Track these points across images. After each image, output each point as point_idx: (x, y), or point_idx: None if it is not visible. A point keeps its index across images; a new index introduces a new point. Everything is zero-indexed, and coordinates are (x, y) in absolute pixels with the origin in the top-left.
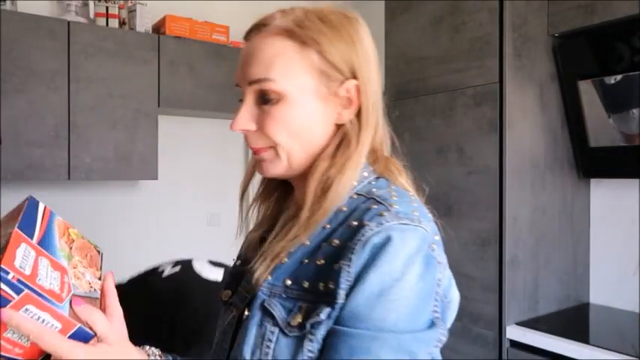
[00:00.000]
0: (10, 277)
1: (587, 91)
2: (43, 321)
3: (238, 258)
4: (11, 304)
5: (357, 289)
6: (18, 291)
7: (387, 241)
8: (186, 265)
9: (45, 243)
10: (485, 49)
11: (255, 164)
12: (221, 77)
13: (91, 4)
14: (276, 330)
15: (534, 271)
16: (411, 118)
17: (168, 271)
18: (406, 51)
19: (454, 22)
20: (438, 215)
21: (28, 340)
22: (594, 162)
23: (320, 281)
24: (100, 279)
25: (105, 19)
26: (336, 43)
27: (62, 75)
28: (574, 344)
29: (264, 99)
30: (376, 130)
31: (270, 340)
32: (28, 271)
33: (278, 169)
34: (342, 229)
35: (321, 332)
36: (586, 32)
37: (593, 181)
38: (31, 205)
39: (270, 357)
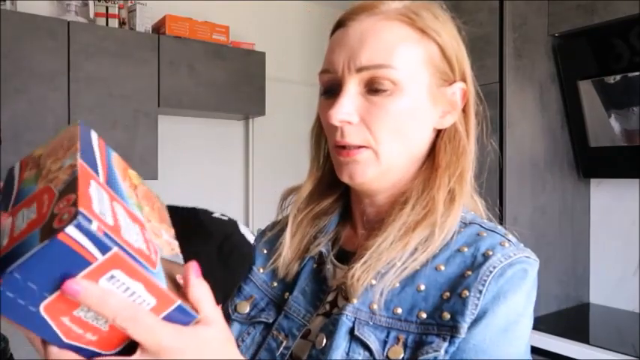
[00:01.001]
0: (94, 227)
1: (587, 91)
2: (133, 294)
3: (264, 270)
4: (91, 268)
5: (484, 322)
6: (104, 249)
7: (520, 274)
8: (233, 220)
9: (111, 183)
10: (485, 49)
11: (338, 168)
12: (221, 77)
13: (91, 4)
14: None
15: None
16: None
17: (217, 215)
18: None
19: (454, 22)
20: None
21: (106, 323)
22: (594, 162)
23: (424, 310)
24: (175, 238)
25: (105, 19)
26: (451, 40)
27: (62, 75)
28: (574, 344)
29: (375, 88)
30: None
31: None
32: (110, 220)
33: (372, 173)
34: (448, 254)
35: None
36: (586, 32)
37: (593, 181)
38: (85, 131)
39: None
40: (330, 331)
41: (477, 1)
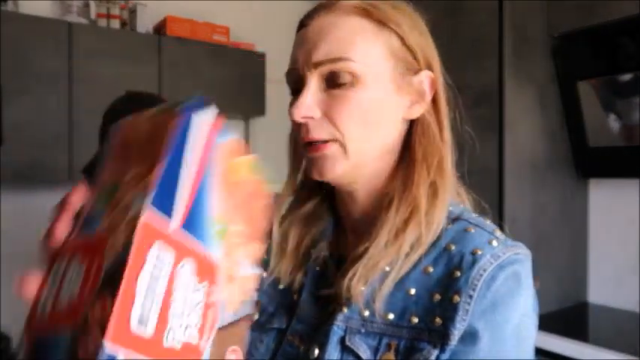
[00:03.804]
0: None
1: (586, 91)
2: None
3: (276, 276)
4: None
5: (490, 332)
6: None
7: (511, 275)
8: None
9: (194, 215)
10: (485, 49)
11: (308, 166)
12: (221, 77)
13: (92, 4)
14: None
15: (534, 270)
16: None
17: None
18: None
19: (454, 22)
20: None
21: None
22: (593, 162)
23: (415, 314)
24: (262, 258)
25: (106, 19)
26: (413, 30)
27: (63, 76)
28: (573, 343)
29: (335, 82)
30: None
31: None
32: (150, 329)
33: (341, 167)
34: (435, 254)
35: None
36: (585, 32)
37: (593, 181)
38: (184, 126)
39: None
40: (322, 342)
41: (477, 1)
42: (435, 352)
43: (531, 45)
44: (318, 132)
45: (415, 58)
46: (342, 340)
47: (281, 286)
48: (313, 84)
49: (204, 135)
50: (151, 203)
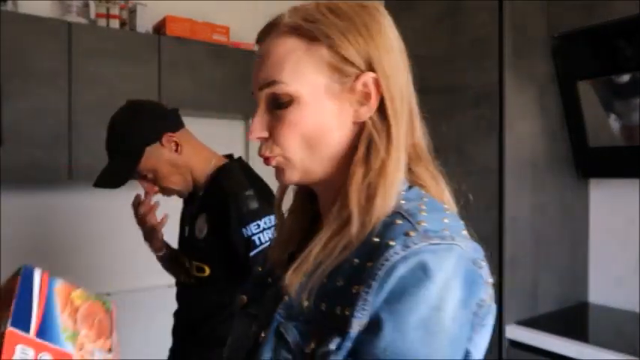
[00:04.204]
0: None
1: (586, 91)
2: None
3: (263, 268)
4: None
5: (390, 322)
6: None
7: (418, 266)
8: None
9: (45, 328)
10: (485, 49)
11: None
12: (221, 77)
13: (92, 4)
14: (289, 356)
15: (534, 270)
16: None
17: None
18: (406, 51)
19: (454, 22)
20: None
21: None
22: (594, 162)
23: (337, 305)
24: (110, 350)
25: (106, 19)
26: (348, 35)
27: (63, 75)
28: (573, 343)
29: (276, 103)
30: (411, 126)
31: None
32: None
33: (292, 176)
34: (362, 246)
35: None
36: (585, 32)
37: (593, 181)
38: (26, 278)
39: None
40: (267, 328)
41: (477, 1)
42: (337, 341)
43: (531, 45)
44: (267, 150)
45: (352, 63)
46: (278, 327)
47: (269, 279)
48: (261, 107)
49: (38, 281)
50: (11, 325)
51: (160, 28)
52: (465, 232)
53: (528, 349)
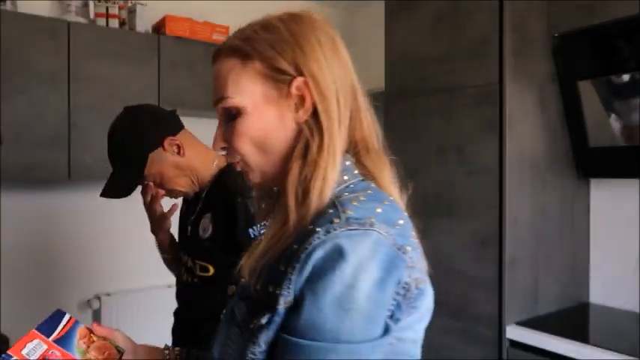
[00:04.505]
0: None
1: (586, 90)
2: None
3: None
4: None
5: (309, 299)
6: None
7: (334, 249)
8: None
9: (62, 341)
10: (485, 49)
11: None
12: None
13: (91, 4)
14: (237, 331)
15: (534, 270)
16: (411, 118)
17: None
18: (406, 51)
19: (454, 22)
20: (440, 215)
21: None
22: (594, 162)
23: (269, 285)
24: None
25: (105, 19)
26: (277, 46)
27: (62, 75)
28: (574, 344)
29: (228, 116)
30: (357, 122)
31: (232, 340)
32: (34, 357)
33: (256, 177)
34: (301, 233)
35: (262, 337)
36: (586, 32)
37: (593, 181)
38: (58, 314)
39: (231, 357)
40: (230, 307)
41: (477, 1)
42: (268, 316)
43: (532, 45)
44: (231, 157)
45: (283, 71)
46: (233, 307)
47: None
48: (219, 120)
49: (68, 316)
50: (36, 329)
51: (159, 28)
52: (401, 221)
53: (528, 350)
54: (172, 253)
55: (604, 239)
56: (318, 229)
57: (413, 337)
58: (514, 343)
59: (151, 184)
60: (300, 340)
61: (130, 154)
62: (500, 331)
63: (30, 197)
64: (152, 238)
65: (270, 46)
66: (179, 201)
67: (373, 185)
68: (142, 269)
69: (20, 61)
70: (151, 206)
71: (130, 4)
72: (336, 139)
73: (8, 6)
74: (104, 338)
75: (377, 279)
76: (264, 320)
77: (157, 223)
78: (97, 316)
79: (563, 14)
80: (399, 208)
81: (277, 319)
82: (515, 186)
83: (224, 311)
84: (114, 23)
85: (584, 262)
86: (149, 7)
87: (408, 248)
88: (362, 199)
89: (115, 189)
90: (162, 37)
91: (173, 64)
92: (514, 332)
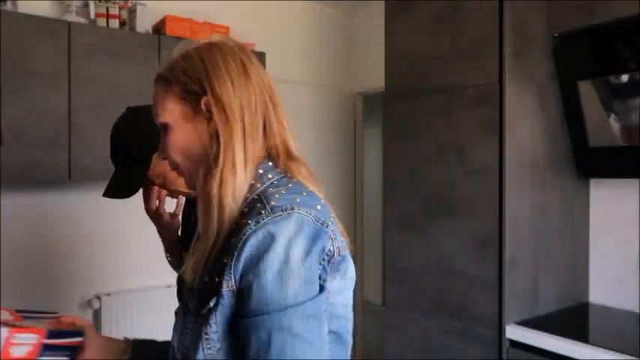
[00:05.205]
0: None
1: (586, 90)
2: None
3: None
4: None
5: (255, 282)
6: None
7: (265, 235)
8: None
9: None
10: (485, 49)
11: None
12: None
13: (92, 4)
14: (192, 318)
15: (534, 270)
16: (411, 118)
17: None
18: (406, 51)
19: (454, 22)
20: (440, 215)
21: None
22: (594, 162)
23: (216, 275)
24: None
25: (105, 19)
26: (188, 72)
27: (62, 75)
28: (574, 344)
29: (163, 131)
30: (269, 132)
31: (188, 327)
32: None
33: (189, 184)
34: (236, 229)
35: (213, 318)
36: (586, 32)
37: (593, 181)
38: None
39: (187, 342)
40: (184, 301)
41: (477, 1)
42: (214, 300)
43: (532, 44)
44: (170, 165)
45: (193, 91)
46: (186, 303)
47: None
48: (161, 134)
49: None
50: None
51: (159, 28)
52: (319, 207)
53: (528, 350)
54: (177, 261)
55: (604, 239)
56: (249, 222)
57: (343, 301)
58: (514, 343)
59: (155, 189)
60: (255, 318)
61: (133, 154)
62: (500, 331)
63: (30, 197)
64: (152, 238)
65: (184, 72)
66: (182, 199)
67: (294, 180)
68: (142, 269)
69: (20, 61)
70: (156, 212)
71: (130, 5)
72: (236, 149)
73: (8, 6)
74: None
75: (305, 248)
76: (212, 304)
77: (164, 227)
78: (97, 316)
79: (563, 14)
80: (316, 197)
81: (223, 302)
82: (515, 186)
83: (178, 306)
84: (114, 23)
85: (584, 262)
86: (149, 7)
87: (329, 223)
88: (283, 192)
89: (118, 189)
90: (162, 38)
91: None
92: (514, 332)
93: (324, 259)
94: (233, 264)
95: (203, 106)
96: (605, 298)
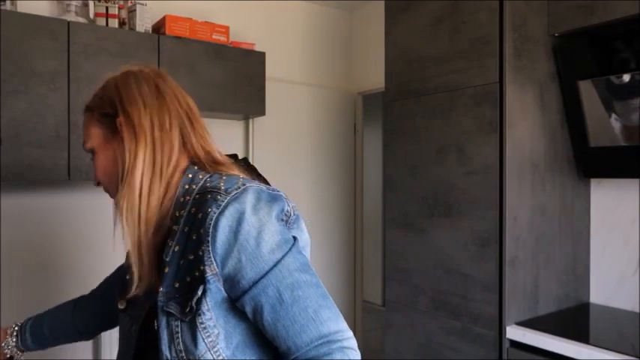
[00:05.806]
0: None
1: (587, 90)
2: None
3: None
4: None
5: (243, 256)
6: None
7: (232, 212)
8: None
9: None
10: (485, 49)
11: None
12: (221, 77)
13: (91, 4)
14: (178, 322)
15: (534, 271)
16: (411, 118)
17: None
18: (406, 51)
19: (454, 22)
20: (440, 215)
21: None
22: (594, 162)
23: (195, 270)
24: None
25: (105, 19)
26: (104, 98)
27: (62, 75)
28: (574, 344)
29: (91, 158)
30: (190, 144)
31: (177, 333)
32: None
33: (116, 202)
34: (195, 225)
35: (204, 305)
36: (586, 32)
37: (593, 181)
38: None
39: (181, 346)
40: (156, 317)
41: (477, 1)
42: (201, 287)
43: (532, 44)
44: (101, 185)
45: (110, 115)
46: (163, 307)
47: None
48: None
49: None
50: None
51: (159, 28)
52: (258, 186)
53: (529, 350)
54: None
55: (604, 239)
56: (209, 210)
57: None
58: (514, 344)
59: None
60: (257, 284)
61: None
62: (501, 331)
63: (30, 197)
64: None
65: (101, 99)
66: None
67: (229, 173)
68: None
69: (20, 60)
70: None
71: (129, 4)
72: (146, 160)
73: (8, 6)
74: None
75: (269, 211)
76: (199, 292)
77: None
78: None
79: (563, 14)
80: (253, 182)
81: (210, 286)
82: (515, 186)
83: (155, 322)
84: (114, 23)
85: (585, 262)
86: (149, 7)
87: (279, 191)
88: (225, 178)
89: None
90: (162, 37)
91: (173, 64)
92: (514, 332)
93: (283, 219)
94: (210, 249)
95: (119, 126)
96: (605, 298)
